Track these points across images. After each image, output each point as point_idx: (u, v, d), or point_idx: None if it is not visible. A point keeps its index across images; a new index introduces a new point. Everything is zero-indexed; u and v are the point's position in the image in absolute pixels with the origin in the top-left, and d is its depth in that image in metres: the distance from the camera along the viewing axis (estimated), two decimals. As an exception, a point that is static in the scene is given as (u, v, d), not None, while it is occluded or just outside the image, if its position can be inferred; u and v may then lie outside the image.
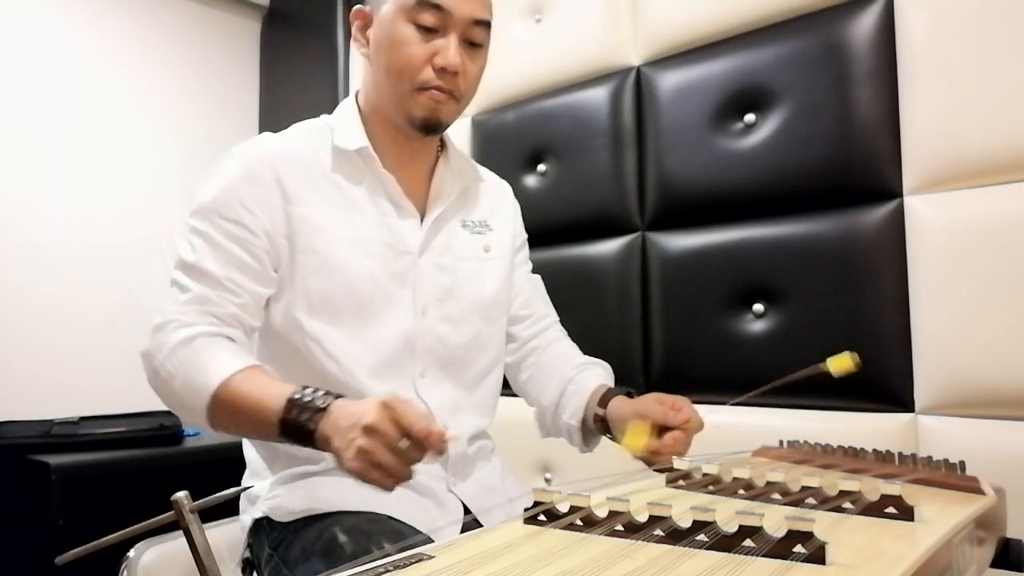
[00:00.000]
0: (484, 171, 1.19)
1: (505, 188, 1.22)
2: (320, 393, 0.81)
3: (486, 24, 0.97)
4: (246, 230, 0.93)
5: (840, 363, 0.91)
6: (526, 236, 1.22)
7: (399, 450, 0.73)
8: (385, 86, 0.98)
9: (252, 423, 0.84)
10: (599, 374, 1.10)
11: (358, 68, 2.21)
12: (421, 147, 1.05)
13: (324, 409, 0.78)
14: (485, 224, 1.12)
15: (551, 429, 1.12)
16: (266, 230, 0.94)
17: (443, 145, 1.09)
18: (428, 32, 0.94)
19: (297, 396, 0.80)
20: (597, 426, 1.03)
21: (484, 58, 1.01)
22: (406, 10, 0.93)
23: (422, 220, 1.03)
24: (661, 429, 0.90)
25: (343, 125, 1.02)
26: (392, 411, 0.73)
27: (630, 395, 1.01)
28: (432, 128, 1.00)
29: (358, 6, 1.00)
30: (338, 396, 0.81)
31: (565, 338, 1.20)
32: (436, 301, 1.02)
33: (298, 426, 0.79)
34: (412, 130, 0.99)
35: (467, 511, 0.96)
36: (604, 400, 1.02)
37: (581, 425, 1.05)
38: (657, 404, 0.93)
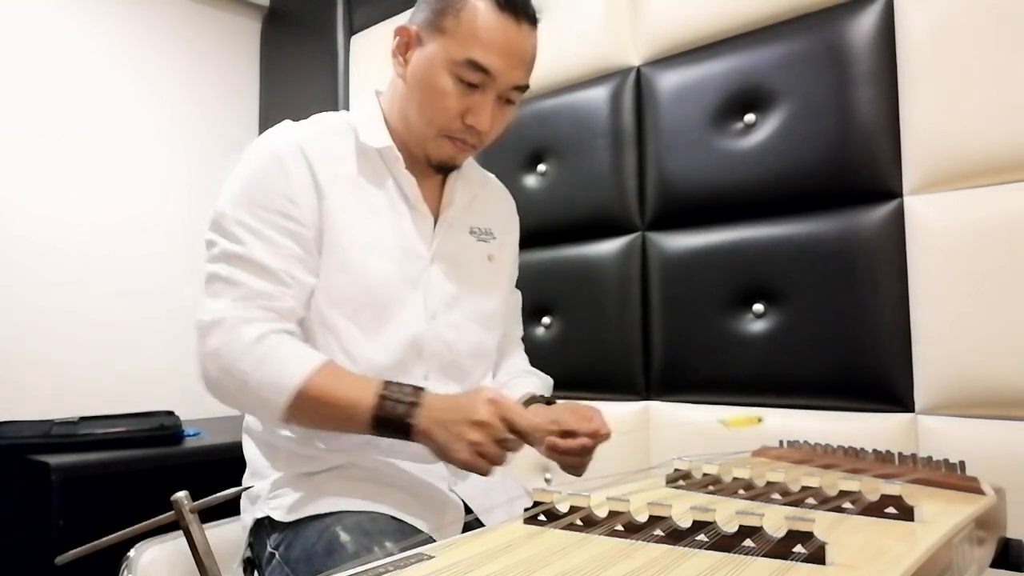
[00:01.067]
0: (491, 177, 1.20)
1: (509, 198, 1.23)
2: (407, 388, 0.87)
3: (525, 87, 0.99)
4: (294, 221, 0.94)
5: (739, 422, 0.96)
6: (518, 250, 1.24)
7: (504, 442, 0.82)
8: (413, 120, 0.99)
9: (339, 418, 0.89)
10: (531, 383, 1.12)
11: (359, 67, 2.21)
12: None
13: (416, 403, 0.85)
14: (490, 232, 1.13)
15: None
16: (310, 220, 0.95)
17: None
18: (468, 87, 0.94)
19: (386, 392, 0.86)
20: None
21: (514, 112, 1.02)
22: (453, 63, 0.93)
23: (435, 225, 1.04)
24: (571, 435, 0.91)
25: (367, 124, 1.02)
26: (500, 407, 0.83)
27: (549, 403, 1.05)
28: (446, 170, 1.04)
29: (403, 24, 0.99)
30: (421, 389, 0.87)
31: (518, 348, 1.23)
32: (444, 307, 1.03)
33: (393, 420, 0.85)
34: (426, 165, 1.02)
35: (468, 511, 0.96)
36: (526, 406, 1.02)
37: None
38: (570, 413, 0.94)
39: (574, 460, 0.95)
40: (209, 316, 0.91)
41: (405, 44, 0.99)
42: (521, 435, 0.83)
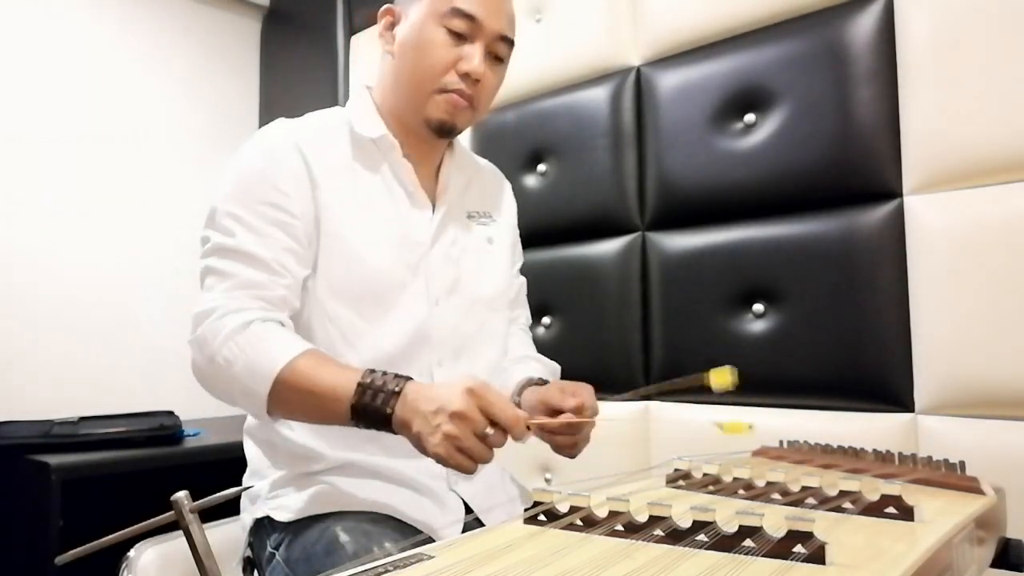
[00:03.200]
0: (483, 162, 1.21)
1: (504, 180, 1.23)
2: (391, 376, 0.82)
3: (510, 43, 1.01)
4: (285, 212, 0.93)
5: (720, 377, 0.94)
6: (518, 232, 1.23)
7: (484, 435, 0.75)
8: (406, 85, 1.00)
9: (318, 407, 0.84)
10: (533, 368, 1.11)
11: (359, 67, 2.21)
12: (431, 143, 1.06)
13: (398, 392, 0.80)
14: (488, 215, 1.14)
15: None
16: (303, 211, 0.94)
17: (449, 142, 1.10)
18: (457, 38, 0.96)
19: (368, 380, 0.81)
20: None
21: (503, 73, 1.04)
22: (438, 15, 0.96)
23: (433, 211, 1.05)
24: (558, 413, 0.91)
25: (361, 115, 1.03)
26: (479, 398, 0.75)
27: (543, 383, 1.02)
28: (447, 131, 1.02)
29: (387, 5, 1.03)
30: (407, 378, 0.82)
31: (523, 334, 1.22)
32: (446, 292, 1.03)
33: (373, 410, 0.80)
34: (426, 131, 1.01)
35: (468, 510, 0.96)
36: (522, 391, 1.03)
37: None
38: (558, 391, 0.94)
39: (564, 440, 0.92)
40: (199, 307, 0.90)
41: (391, 23, 1.02)
42: (502, 427, 0.76)
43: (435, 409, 0.76)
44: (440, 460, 0.76)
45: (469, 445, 0.75)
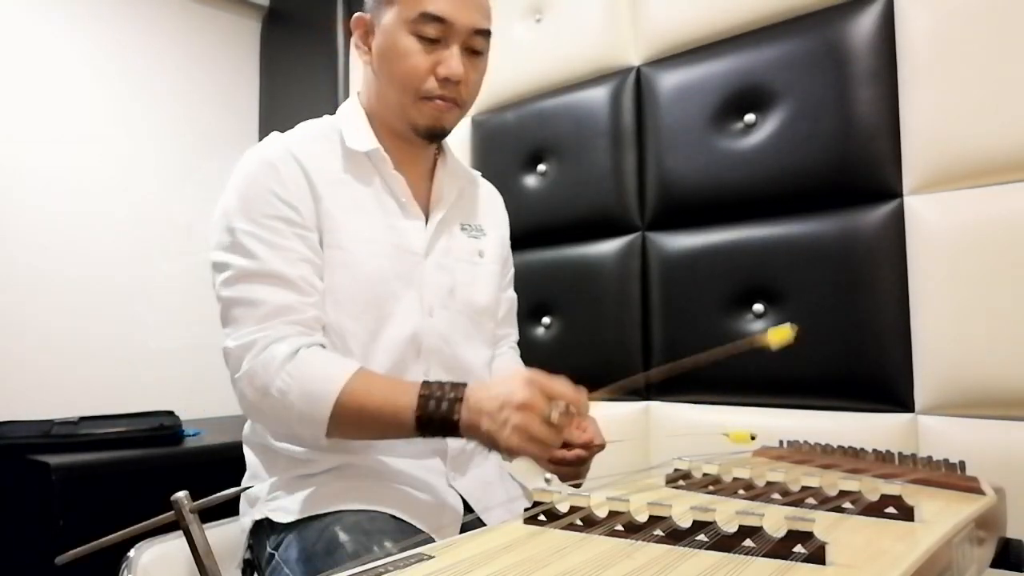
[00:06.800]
0: (477, 174, 1.20)
1: (498, 196, 1.24)
2: (447, 384, 0.85)
3: (486, 33, 0.99)
4: (298, 225, 0.94)
5: (779, 334, 0.94)
6: (510, 250, 1.24)
7: (551, 421, 0.78)
8: (389, 95, 1.00)
9: (381, 424, 0.87)
10: None
11: (358, 69, 2.21)
12: (422, 150, 1.06)
13: (460, 399, 0.83)
14: (480, 228, 1.14)
15: None
16: (312, 221, 0.95)
17: (440, 148, 1.11)
18: (430, 43, 0.95)
19: (427, 391, 0.84)
20: None
21: (485, 64, 1.02)
22: (409, 22, 0.94)
23: (426, 221, 1.04)
24: (564, 445, 0.96)
25: (351, 127, 1.02)
26: (540, 385, 0.80)
27: None
28: (436, 135, 1.02)
29: (358, 14, 1.01)
30: (464, 384, 0.85)
31: (513, 353, 1.24)
32: (440, 302, 1.03)
33: (439, 419, 0.83)
34: (416, 137, 1.01)
35: (467, 507, 0.97)
36: None
37: None
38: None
39: (570, 470, 0.97)
40: (236, 342, 0.90)
41: (364, 33, 1.01)
42: (568, 407, 0.79)
43: (499, 405, 0.79)
44: (514, 452, 0.80)
45: (538, 432, 0.78)
